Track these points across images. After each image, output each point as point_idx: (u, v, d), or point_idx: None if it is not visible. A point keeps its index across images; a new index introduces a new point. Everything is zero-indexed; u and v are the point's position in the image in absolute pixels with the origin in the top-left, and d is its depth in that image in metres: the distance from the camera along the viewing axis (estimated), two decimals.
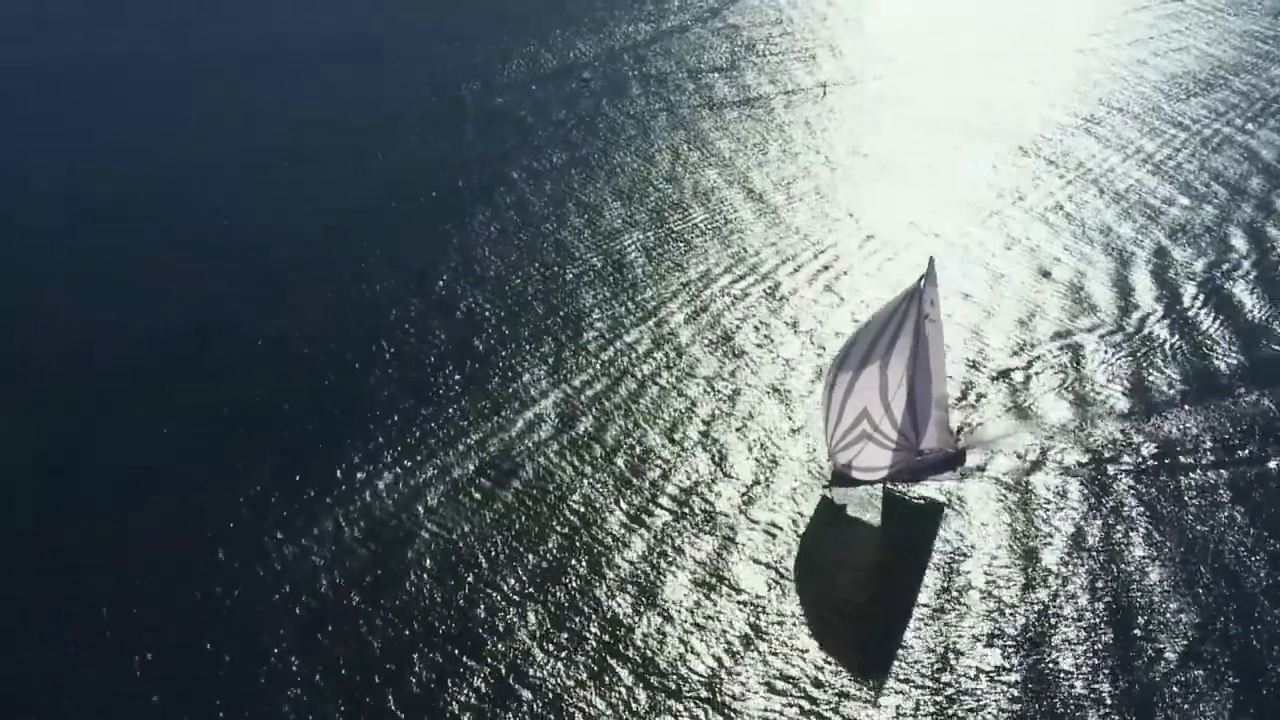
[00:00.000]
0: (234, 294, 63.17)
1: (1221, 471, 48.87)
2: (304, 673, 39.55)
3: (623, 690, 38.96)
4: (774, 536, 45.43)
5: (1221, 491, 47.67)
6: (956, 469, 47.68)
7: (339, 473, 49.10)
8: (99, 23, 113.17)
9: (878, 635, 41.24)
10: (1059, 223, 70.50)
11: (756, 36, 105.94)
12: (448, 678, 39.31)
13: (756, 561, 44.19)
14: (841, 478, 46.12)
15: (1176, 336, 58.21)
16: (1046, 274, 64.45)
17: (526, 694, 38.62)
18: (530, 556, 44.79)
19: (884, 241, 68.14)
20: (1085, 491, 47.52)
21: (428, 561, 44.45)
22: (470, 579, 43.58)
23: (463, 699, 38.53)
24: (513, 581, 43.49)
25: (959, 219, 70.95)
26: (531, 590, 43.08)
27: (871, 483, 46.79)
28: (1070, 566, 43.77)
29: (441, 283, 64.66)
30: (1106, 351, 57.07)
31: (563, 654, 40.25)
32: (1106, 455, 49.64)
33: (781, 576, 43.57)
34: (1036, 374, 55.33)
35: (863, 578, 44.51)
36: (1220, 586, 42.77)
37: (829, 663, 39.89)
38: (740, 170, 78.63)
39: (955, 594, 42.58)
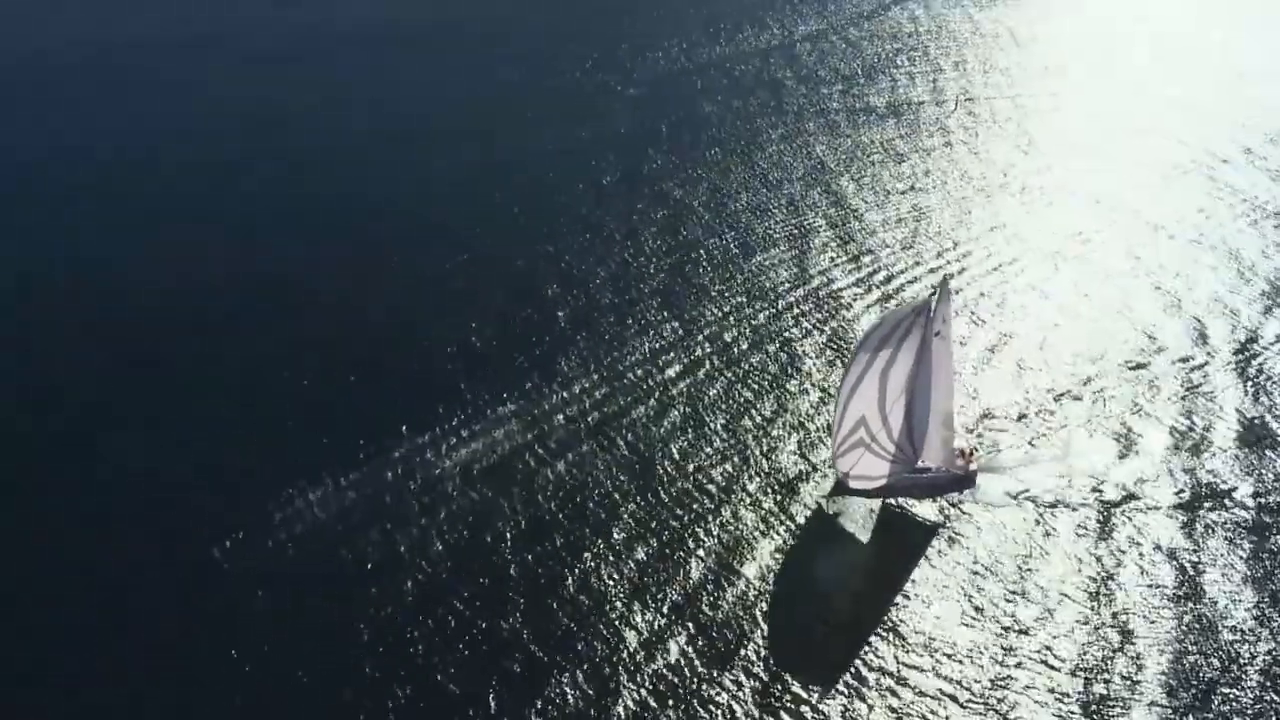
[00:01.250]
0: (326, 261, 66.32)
1: (1240, 520, 47.21)
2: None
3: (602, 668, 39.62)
4: (778, 538, 45.89)
5: (1236, 540, 46.14)
6: (964, 490, 47.76)
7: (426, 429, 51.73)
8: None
9: (848, 644, 41.20)
10: (1176, 256, 67.00)
11: (906, 45, 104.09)
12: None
13: (754, 556, 44.83)
14: (842, 486, 46.21)
15: (1243, 383, 55.64)
16: (1132, 308, 61.59)
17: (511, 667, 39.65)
18: (538, 534, 45.94)
19: (984, 264, 66.78)
20: (1094, 525, 46.67)
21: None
22: (478, 555, 44.84)
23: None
24: (512, 559, 44.55)
25: (1065, 243, 68.61)
26: (535, 567, 44.15)
27: (871, 494, 46.87)
28: (1057, 599, 43.25)
29: (542, 261, 66.46)
30: (1151, 391, 54.88)
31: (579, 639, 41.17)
32: (1121, 493, 48.41)
33: (771, 575, 44.08)
34: (1069, 406, 53.80)
35: (844, 587, 44.41)
36: (1220, 634, 41.98)
37: (797, 665, 40.27)
38: (853, 178, 77.66)
39: (937, 611, 42.52)
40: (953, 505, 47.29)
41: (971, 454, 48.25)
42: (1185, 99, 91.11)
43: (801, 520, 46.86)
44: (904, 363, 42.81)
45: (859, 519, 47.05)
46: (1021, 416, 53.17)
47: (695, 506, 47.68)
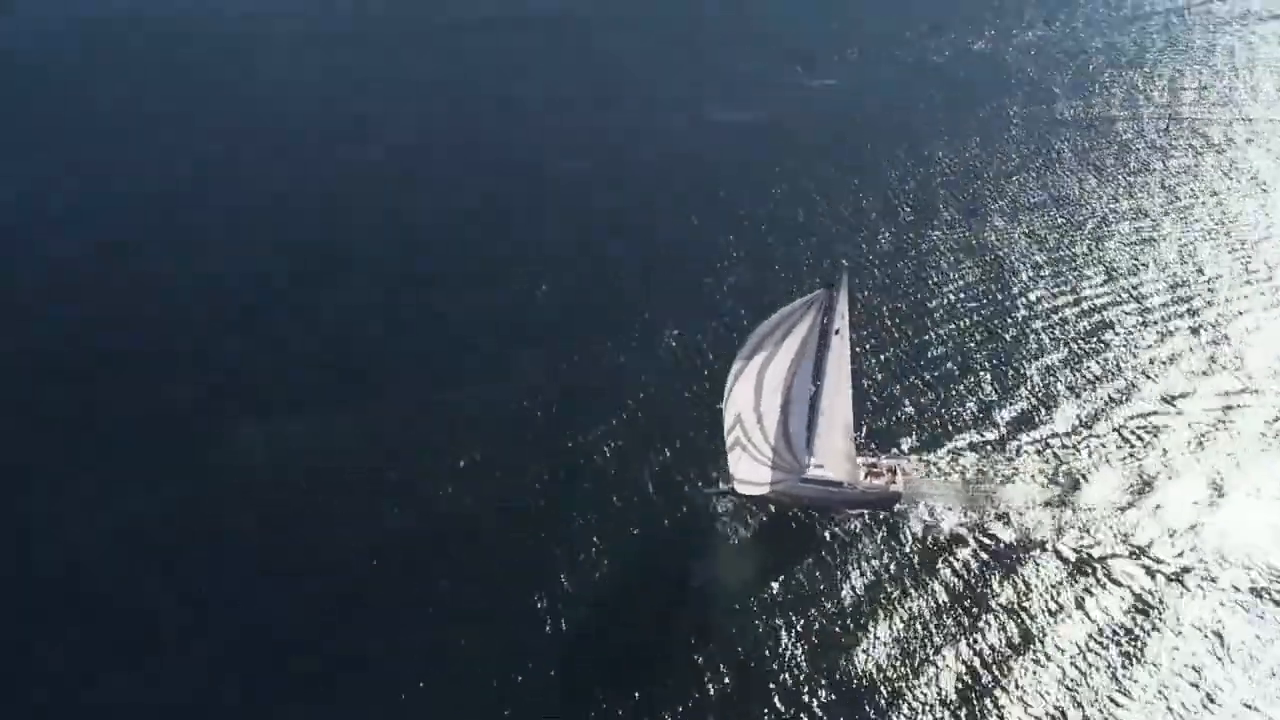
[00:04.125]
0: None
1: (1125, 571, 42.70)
2: None
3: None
4: (664, 536, 44.99)
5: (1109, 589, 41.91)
6: (884, 510, 44.06)
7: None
8: None
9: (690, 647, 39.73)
10: None
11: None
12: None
13: (633, 555, 44.01)
14: (733, 489, 43.97)
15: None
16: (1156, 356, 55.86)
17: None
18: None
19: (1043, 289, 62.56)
20: (1005, 560, 43.06)
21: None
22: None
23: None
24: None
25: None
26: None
27: (776, 500, 44.51)
28: (940, 625, 40.33)
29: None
30: (1097, 438, 49.87)
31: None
32: (1030, 533, 44.32)
33: (645, 572, 43.19)
34: (1034, 446, 49.37)
35: (713, 589, 42.49)
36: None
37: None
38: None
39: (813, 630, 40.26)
40: (848, 522, 44.67)
41: (895, 472, 44.25)
42: None
43: (688, 521, 45.51)
44: (783, 361, 40.01)
45: (759, 524, 45.19)
46: (985, 445, 49.34)
47: (599, 494, 47.16)
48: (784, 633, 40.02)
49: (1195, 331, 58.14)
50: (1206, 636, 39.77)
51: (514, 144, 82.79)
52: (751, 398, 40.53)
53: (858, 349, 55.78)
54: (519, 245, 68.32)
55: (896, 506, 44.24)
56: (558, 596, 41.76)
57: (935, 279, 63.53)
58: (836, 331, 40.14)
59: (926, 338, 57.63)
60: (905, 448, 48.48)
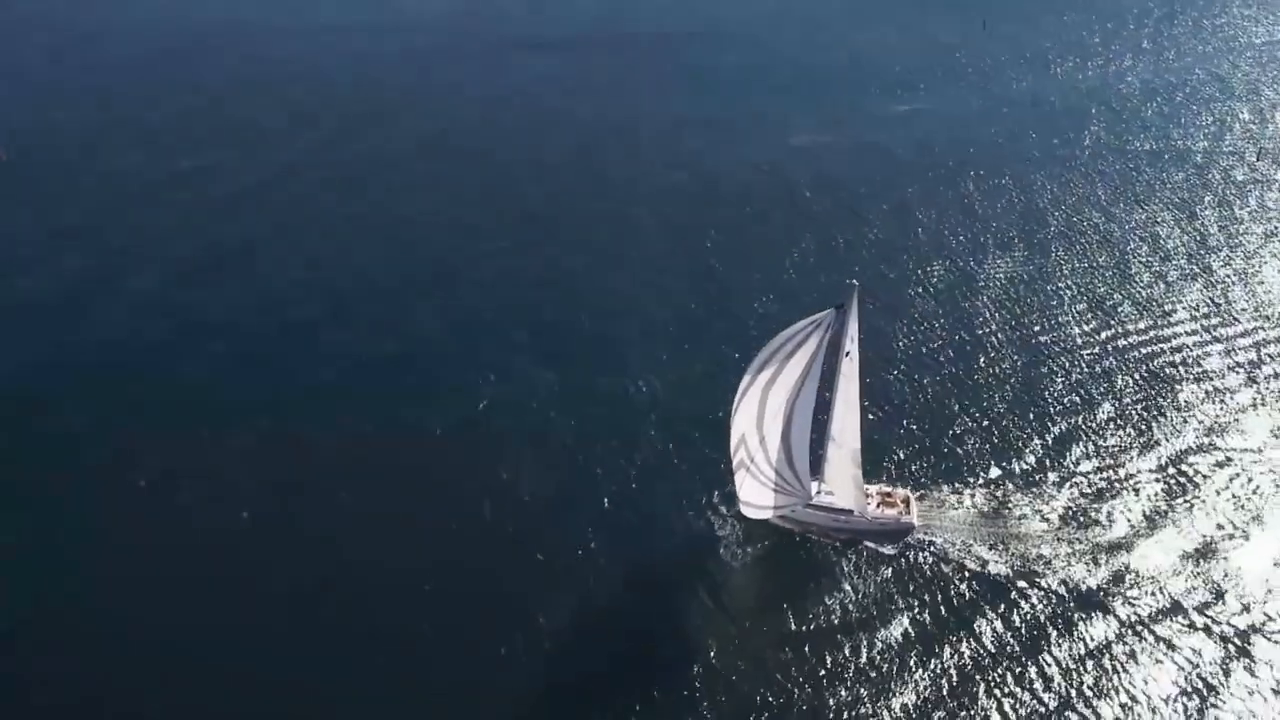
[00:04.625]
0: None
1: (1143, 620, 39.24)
2: None
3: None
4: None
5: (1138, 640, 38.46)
6: (897, 543, 41.45)
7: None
8: None
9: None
10: None
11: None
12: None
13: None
14: (738, 512, 41.70)
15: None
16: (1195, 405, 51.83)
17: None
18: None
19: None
20: (1019, 603, 39.73)
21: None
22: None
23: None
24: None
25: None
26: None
27: (787, 526, 42.15)
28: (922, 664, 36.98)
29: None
30: (1129, 481, 46.22)
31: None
32: (1048, 574, 40.98)
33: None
34: (1050, 487, 45.79)
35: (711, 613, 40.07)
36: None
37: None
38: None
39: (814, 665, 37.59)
40: (859, 554, 41.94)
41: (909, 503, 41.41)
42: None
43: (695, 544, 43.24)
44: (787, 382, 37.57)
45: (767, 550, 42.68)
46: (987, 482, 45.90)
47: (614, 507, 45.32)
48: (790, 667, 37.46)
49: (1279, 376, 53.71)
50: (1266, 701, 35.73)
51: (579, 156, 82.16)
52: (755, 419, 38.27)
53: (896, 376, 53.19)
54: (565, 254, 67.28)
55: (910, 539, 41.33)
56: (558, 615, 39.99)
57: (992, 309, 60.10)
58: (846, 353, 37.77)
59: (975, 369, 54.33)
60: (927, 478, 45.48)
